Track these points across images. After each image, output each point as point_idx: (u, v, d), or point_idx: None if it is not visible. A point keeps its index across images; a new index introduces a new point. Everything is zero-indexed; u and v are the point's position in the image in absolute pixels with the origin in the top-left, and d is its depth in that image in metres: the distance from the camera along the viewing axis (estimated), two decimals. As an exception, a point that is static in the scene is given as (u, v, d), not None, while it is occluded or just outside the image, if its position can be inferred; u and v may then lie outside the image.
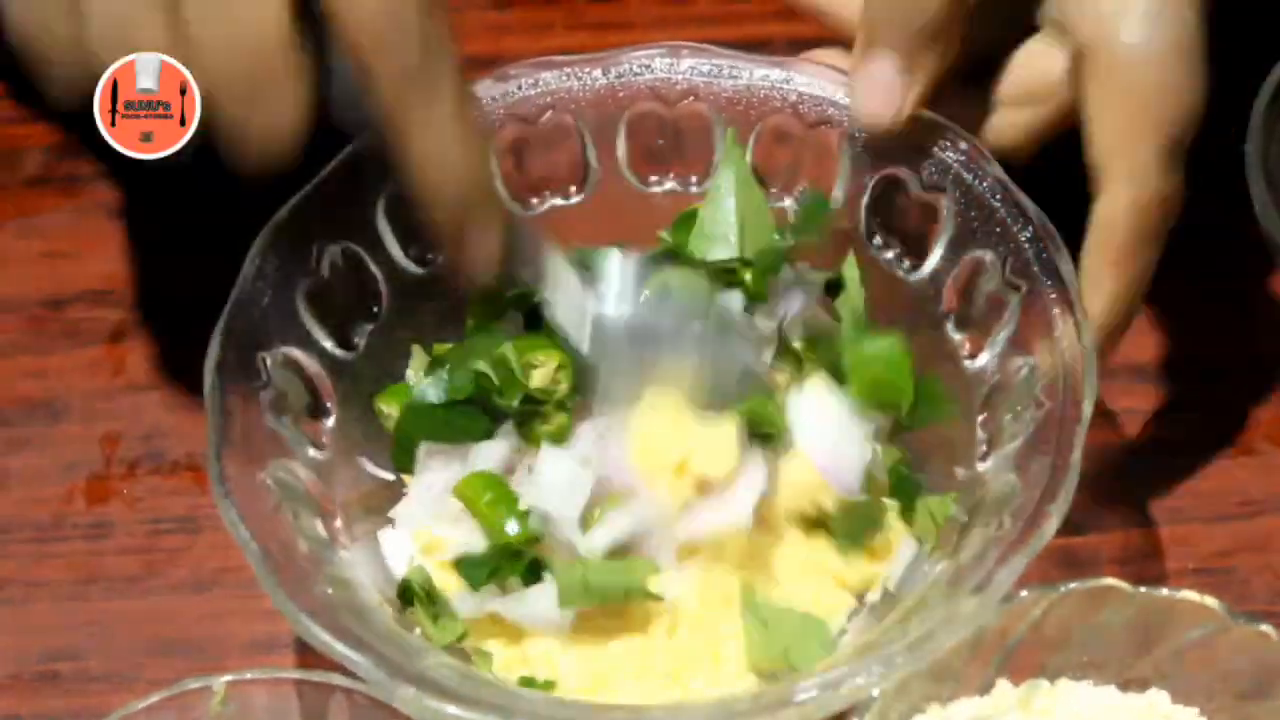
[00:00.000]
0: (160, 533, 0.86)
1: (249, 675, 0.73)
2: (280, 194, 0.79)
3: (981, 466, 0.78)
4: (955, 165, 0.81)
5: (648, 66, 0.84)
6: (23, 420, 0.89)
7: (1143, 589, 0.73)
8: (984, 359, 0.80)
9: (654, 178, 0.86)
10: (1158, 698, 0.74)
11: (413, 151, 0.71)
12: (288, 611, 0.71)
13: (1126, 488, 0.86)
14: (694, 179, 0.85)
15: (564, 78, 0.84)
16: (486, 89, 0.83)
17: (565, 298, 0.79)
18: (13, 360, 0.91)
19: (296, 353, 0.79)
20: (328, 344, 0.80)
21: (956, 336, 0.82)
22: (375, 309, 0.82)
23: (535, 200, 0.85)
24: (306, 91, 0.69)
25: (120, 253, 0.94)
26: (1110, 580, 0.73)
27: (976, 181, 0.80)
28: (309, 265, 0.79)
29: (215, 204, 0.82)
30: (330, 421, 0.80)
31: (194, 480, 0.87)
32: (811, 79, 0.83)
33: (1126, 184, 0.77)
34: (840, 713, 0.70)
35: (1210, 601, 0.72)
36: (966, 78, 0.83)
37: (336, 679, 0.72)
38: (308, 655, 0.80)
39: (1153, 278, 0.79)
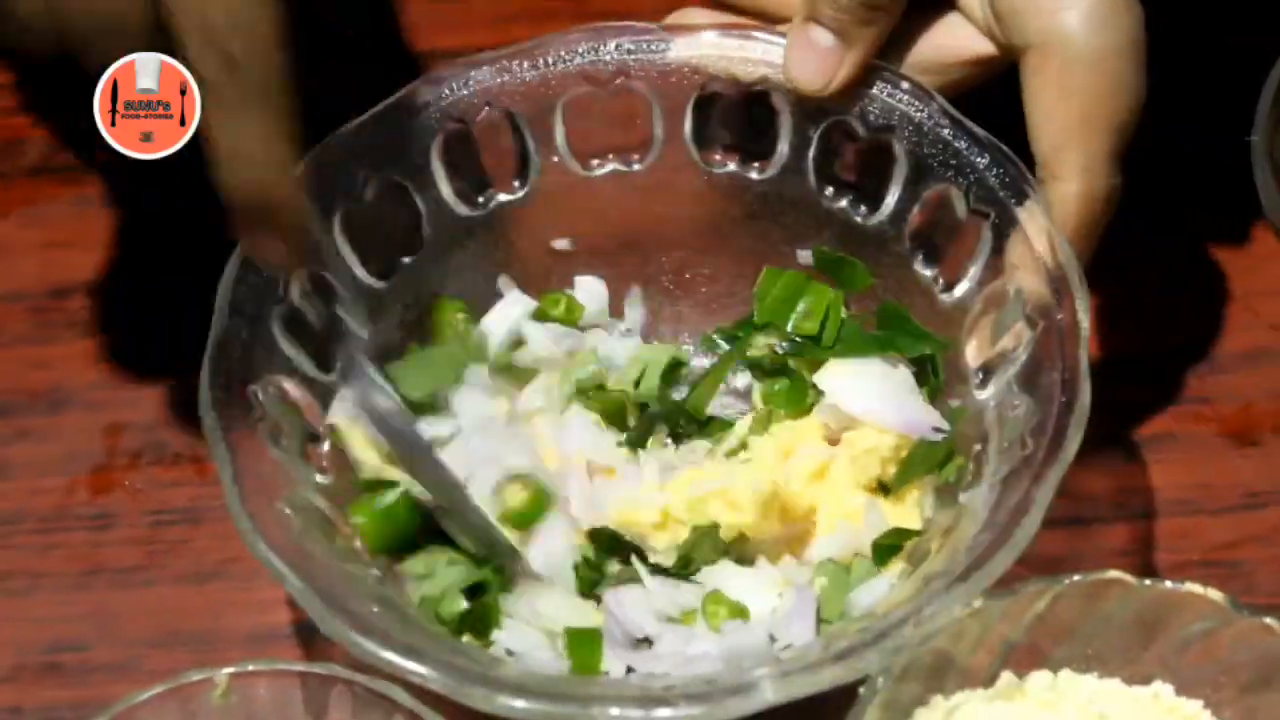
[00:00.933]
0: (162, 524, 0.86)
1: (251, 667, 0.73)
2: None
3: (981, 394, 0.79)
4: (900, 105, 0.81)
5: (575, 51, 0.84)
6: (25, 411, 0.90)
7: (1147, 581, 0.72)
8: (961, 289, 0.81)
9: (595, 161, 0.86)
10: (1162, 690, 0.74)
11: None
12: (342, 637, 0.71)
13: (1131, 480, 0.86)
14: (635, 158, 0.85)
15: (495, 73, 0.84)
16: (422, 94, 0.83)
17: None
18: (15, 351, 0.91)
19: (283, 382, 0.79)
20: (308, 368, 0.80)
21: (927, 272, 0.82)
22: (342, 326, 0.81)
23: (481, 200, 0.85)
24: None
25: (123, 242, 0.94)
26: (1114, 573, 0.73)
27: (924, 117, 0.81)
28: (278, 293, 0.79)
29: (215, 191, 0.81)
30: (325, 446, 0.80)
31: (196, 471, 0.87)
32: (741, 41, 0.83)
33: (1078, 177, 0.78)
34: (846, 701, 0.70)
35: (1215, 594, 0.72)
36: None
37: (338, 670, 0.72)
38: (309, 647, 0.80)
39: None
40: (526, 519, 0.80)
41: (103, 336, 0.92)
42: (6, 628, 0.84)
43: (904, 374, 0.82)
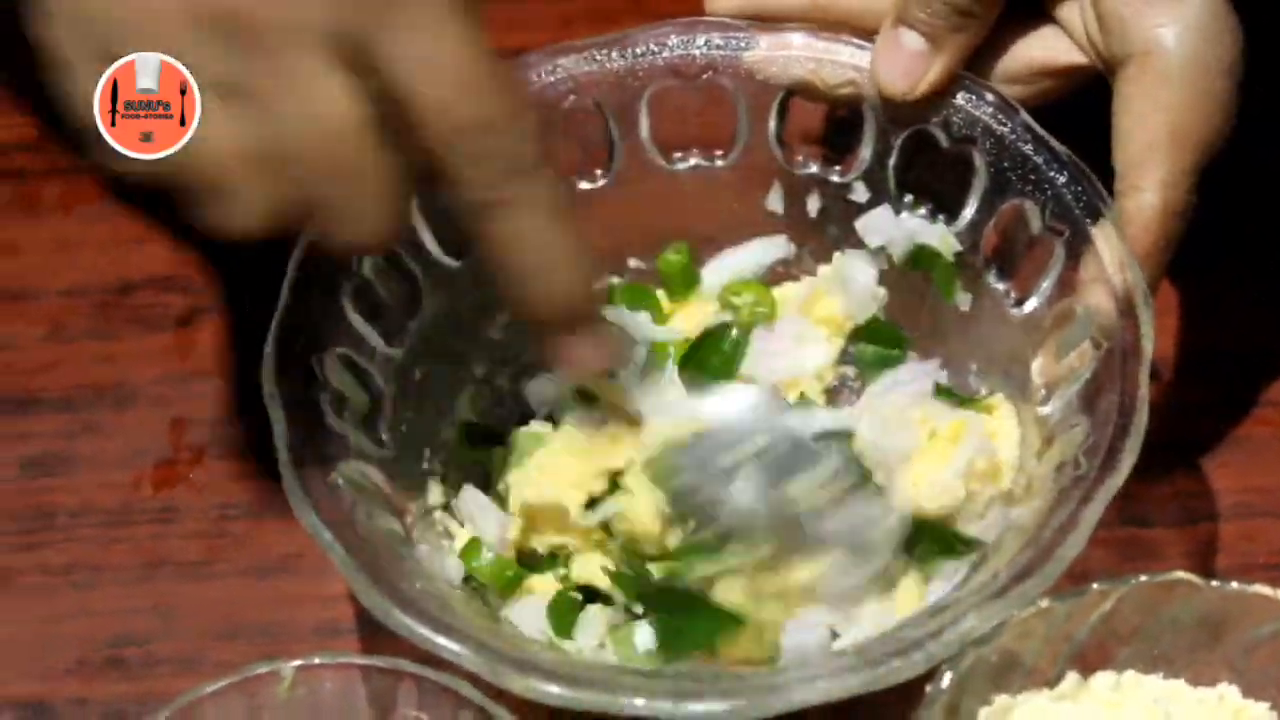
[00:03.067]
0: (226, 518, 0.87)
1: (317, 660, 0.73)
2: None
3: (1043, 410, 0.79)
4: (983, 116, 0.81)
5: (664, 44, 0.84)
6: (91, 406, 0.90)
7: (1213, 583, 0.72)
8: (1032, 304, 0.81)
9: (678, 154, 0.86)
10: (1228, 691, 0.73)
11: (512, 264, 0.71)
12: (383, 611, 0.71)
13: (1194, 483, 0.86)
14: (718, 154, 0.86)
15: (582, 61, 0.84)
16: None
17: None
18: (81, 345, 0.92)
19: (350, 353, 0.79)
20: (377, 343, 0.80)
21: (1000, 286, 0.82)
22: (416, 303, 0.82)
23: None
24: (394, 187, 0.69)
25: (187, 238, 0.94)
26: (1180, 573, 0.72)
27: (1007, 130, 0.81)
28: (350, 267, 0.79)
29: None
30: (387, 419, 0.80)
31: (260, 466, 0.87)
32: (830, 44, 0.83)
33: (1159, 190, 0.78)
34: (909, 700, 0.70)
35: (1282, 596, 0.72)
36: None
37: (404, 664, 0.72)
38: (374, 640, 0.80)
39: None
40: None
41: (168, 332, 0.92)
42: (71, 621, 0.84)
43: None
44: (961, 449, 0.79)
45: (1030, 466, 0.78)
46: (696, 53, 0.84)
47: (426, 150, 0.68)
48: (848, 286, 0.85)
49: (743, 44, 0.84)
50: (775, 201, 0.86)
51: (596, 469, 0.80)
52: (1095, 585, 0.72)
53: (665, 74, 0.84)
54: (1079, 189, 0.79)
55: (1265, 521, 0.85)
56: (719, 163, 0.86)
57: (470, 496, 0.81)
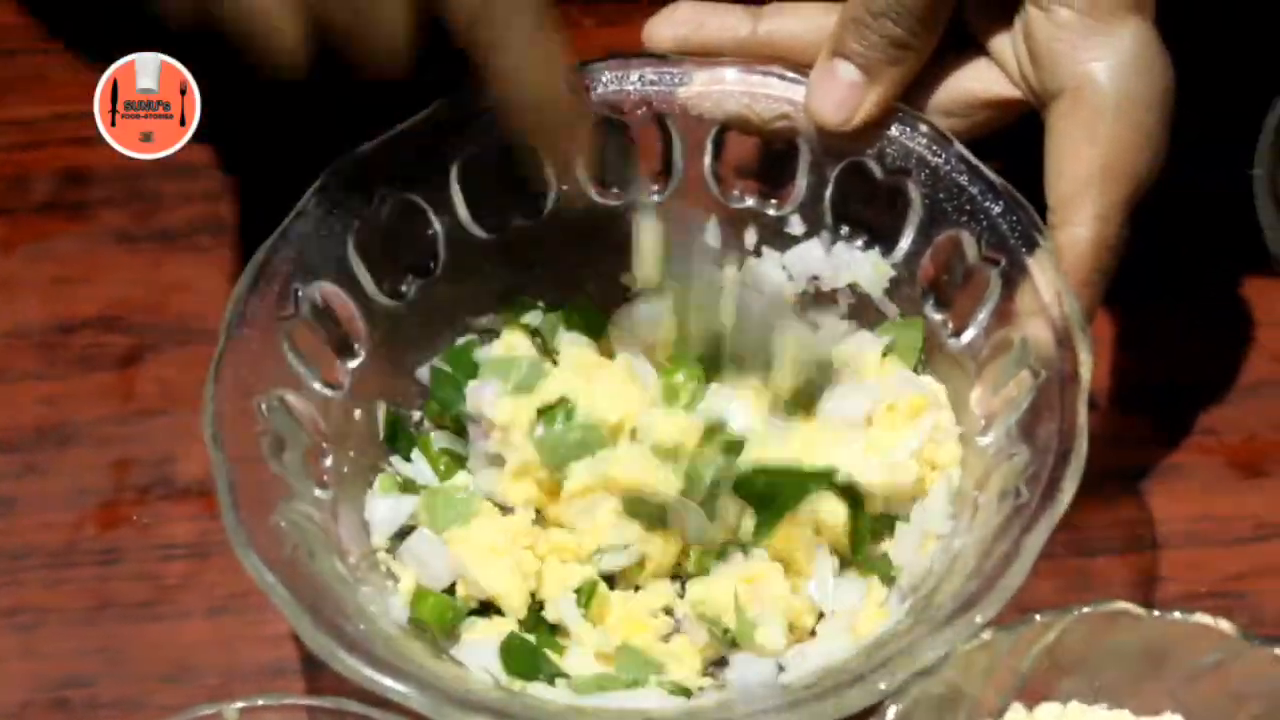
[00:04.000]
0: (171, 558, 0.86)
1: (260, 701, 0.72)
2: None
3: (983, 441, 0.79)
4: (918, 148, 0.82)
5: (598, 81, 0.84)
6: (33, 447, 0.89)
7: (1155, 612, 0.73)
8: (969, 335, 0.81)
9: (614, 191, 0.86)
10: (1172, 721, 0.74)
11: (493, 68, 0.75)
12: (326, 652, 0.71)
13: (1138, 512, 0.86)
14: (655, 189, 0.86)
15: None
16: (441, 113, 0.83)
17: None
18: (23, 386, 0.91)
19: (289, 395, 0.79)
20: (317, 384, 0.80)
21: (937, 316, 0.82)
22: (355, 344, 0.82)
23: (497, 222, 0.85)
24: (409, 12, 0.73)
25: (129, 278, 0.94)
26: (1122, 604, 0.73)
27: (941, 161, 0.81)
28: (288, 308, 0.79)
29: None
30: (328, 461, 0.80)
31: (204, 506, 0.87)
32: (764, 78, 0.84)
33: (1092, 224, 0.78)
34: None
35: (1225, 625, 0.72)
36: None
37: (349, 704, 0.72)
38: (319, 680, 0.80)
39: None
40: None
41: (110, 372, 0.92)
42: (14, 664, 0.84)
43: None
44: (918, 425, 0.80)
45: (971, 495, 0.79)
46: (630, 89, 0.84)
47: None
48: (759, 288, 0.85)
49: (677, 80, 0.84)
50: (712, 236, 0.86)
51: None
52: (1038, 616, 0.72)
53: (601, 110, 0.84)
54: (1014, 219, 0.80)
55: (1208, 550, 0.85)
56: (655, 197, 0.86)
57: (419, 539, 0.81)
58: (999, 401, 0.79)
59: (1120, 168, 0.78)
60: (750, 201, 0.86)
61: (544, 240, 0.85)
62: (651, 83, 0.84)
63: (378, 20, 0.73)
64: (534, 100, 0.77)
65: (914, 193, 0.82)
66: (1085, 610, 0.73)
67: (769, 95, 0.84)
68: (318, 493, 0.78)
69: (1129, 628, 0.73)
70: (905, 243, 0.83)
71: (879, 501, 0.81)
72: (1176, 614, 0.73)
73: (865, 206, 0.84)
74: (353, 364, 0.82)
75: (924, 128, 0.82)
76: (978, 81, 0.83)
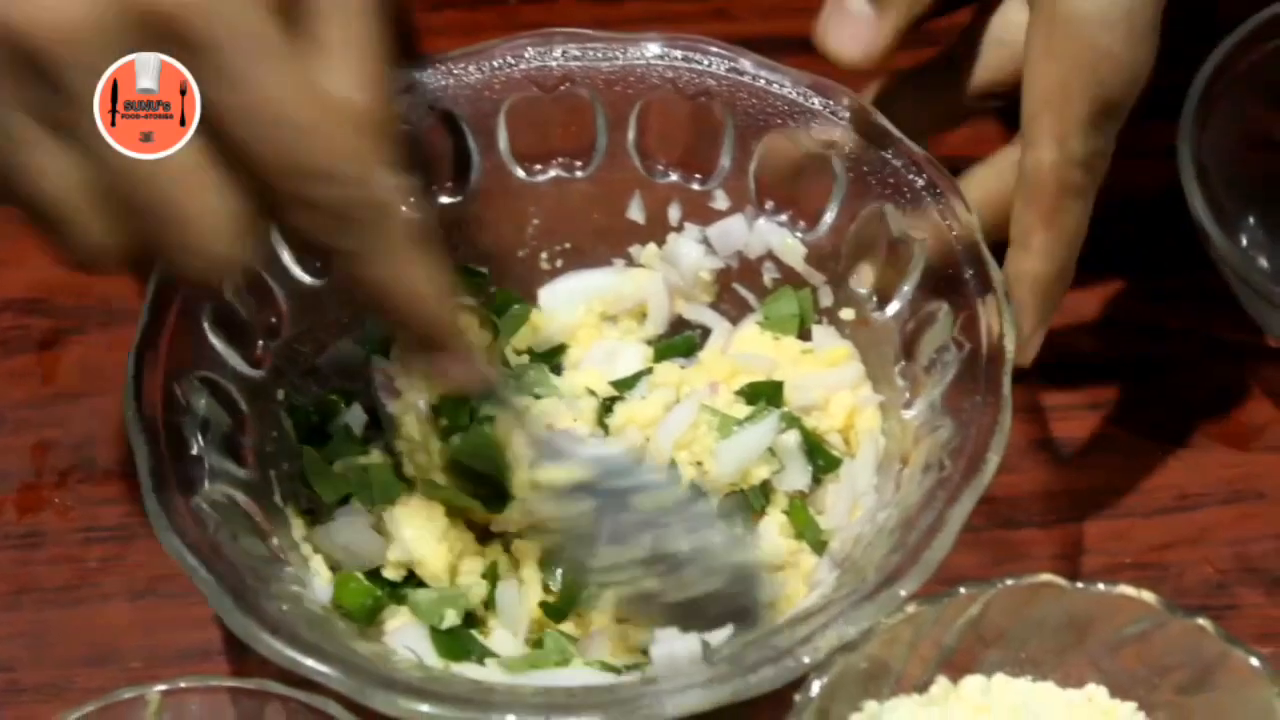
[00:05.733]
0: (92, 541, 0.86)
1: (183, 684, 0.72)
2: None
3: (908, 414, 0.79)
4: (840, 121, 0.82)
5: (521, 56, 0.84)
6: (-49, 430, 0.89)
7: (1079, 584, 0.73)
8: (894, 307, 0.81)
9: (538, 166, 0.86)
10: (1096, 692, 0.74)
11: (368, 282, 0.69)
12: (248, 634, 0.70)
13: (1062, 482, 0.87)
14: (578, 164, 0.85)
15: (439, 75, 0.84)
16: None
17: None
18: (-58, 370, 0.91)
19: (210, 375, 0.78)
20: (238, 364, 0.80)
21: (862, 290, 0.82)
22: (276, 321, 0.82)
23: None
24: (234, 222, 0.66)
25: (48, 261, 0.93)
26: (1046, 575, 0.73)
27: (864, 134, 0.81)
28: (209, 289, 0.78)
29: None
30: (250, 441, 0.79)
31: (126, 489, 0.86)
32: (688, 51, 0.84)
33: (1050, 143, 0.77)
34: (779, 708, 0.70)
35: (1147, 595, 0.72)
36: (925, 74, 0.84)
37: (272, 686, 0.71)
38: (243, 663, 0.80)
39: (1085, 231, 0.79)
40: None
41: (30, 354, 0.91)
42: (-66, 650, 0.83)
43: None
44: (839, 371, 0.81)
45: (894, 469, 0.79)
46: (553, 64, 0.84)
47: (264, 186, 0.66)
48: (678, 264, 0.85)
49: (599, 55, 0.84)
50: (636, 211, 0.86)
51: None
52: (962, 589, 0.73)
53: (523, 86, 0.84)
54: (936, 189, 0.80)
55: (1132, 521, 0.86)
56: (579, 174, 0.86)
57: (346, 521, 0.81)
58: (923, 374, 0.79)
59: (1076, 86, 0.76)
60: (674, 176, 0.86)
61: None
62: (574, 58, 0.84)
63: (200, 234, 0.66)
64: (409, 319, 0.71)
65: (838, 167, 0.82)
66: (1009, 583, 0.73)
67: (691, 70, 0.83)
68: (240, 473, 0.78)
69: (1053, 599, 0.73)
70: (829, 216, 0.83)
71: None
72: (1100, 585, 0.73)
73: (789, 181, 0.84)
74: (274, 343, 0.81)
75: (847, 100, 0.82)
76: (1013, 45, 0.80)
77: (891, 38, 0.80)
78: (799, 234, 0.84)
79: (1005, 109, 0.82)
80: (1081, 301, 0.90)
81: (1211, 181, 0.84)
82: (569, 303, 0.87)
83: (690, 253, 0.85)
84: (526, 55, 0.84)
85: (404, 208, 0.68)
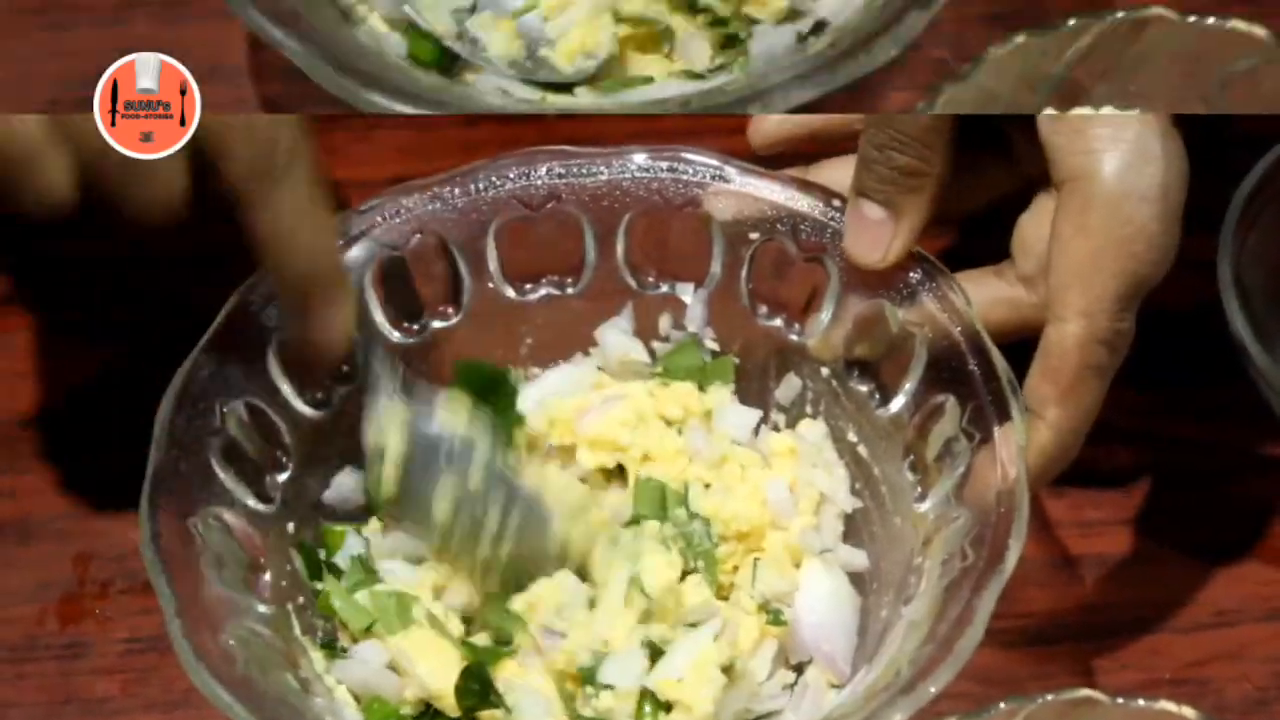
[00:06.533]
0: (133, 652, 0.86)
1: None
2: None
3: (921, 507, 0.80)
4: (832, 224, 0.83)
5: (505, 176, 0.85)
6: (-6, 541, 0.89)
7: (1119, 699, 0.73)
8: (897, 403, 0.81)
9: (529, 285, 0.86)
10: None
11: (259, 229, 0.75)
12: None
13: (1098, 597, 0.87)
14: (569, 281, 0.86)
15: (425, 200, 0.84)
16: (353, 222, 0.84)
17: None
18: (-17, 480, 0.91)
19: (223, 513, 0.79)
20: (248, 499, 0.80)
21: (863, 388, 0.83)
22: (282, 456, 0.82)
23: (416, 326, 0.85)
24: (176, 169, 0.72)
25: (89, 372, 0.94)
26: (1087, 691, 0.73)
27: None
28: (214, 424, 0.79)
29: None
30: (267, 576, 0.79)
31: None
32: (674, 163, 0.84)
33: (1078, 318, 0.78)
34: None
35: (1188, 712, 0.72)
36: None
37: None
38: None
39: (1099, 410, 0.80)
40: None
41: (70, 466, 0.91)
42: (-24, 758, 0.83)
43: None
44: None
45: (915, 563, 0.79)
46: (539, 182, 0.84)
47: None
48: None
49: (583, 170, 0.85)
50: (626, 323, 0.86)
51: None
52: (1003, 704, 0.72)
53: (510, 205, 0.84)
54: (934, 284, 0.80)
55: (1170, 636, 0.86)
56: (570, 290, 0.86)
57: (362, 660, 0.80)
58: (934, 467, 0.79)
59: (1110, 262, 0.78)
60: (665, 288, 0.86)
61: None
62: (559, 175, 0.85)
63: (151, 171, 0.71)
64: (298, 265, 0.77)
65: (831, 267, 0.83)
66: (1049, 698, 0.73)
67: (677, 180, 0.84)
68: (261, 608, 0.78)
69: (1093, 716, 0.73)
70: (825, 315, 0.83)
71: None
72: (1140, 701, 0.73)
73: (781, 284, 0.84)
74: (282, 477, 0.82)
75: (836, 202, 0.83)
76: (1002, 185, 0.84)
77: (908, 238, 0.82)
78: (794, 335, 0.85)
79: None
80: (1117, 414, 0.90)
81: (1251, 297, 0.84)
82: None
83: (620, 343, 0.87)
84: (511, 175, 0.85)
85: (305, 167, 0.76)
